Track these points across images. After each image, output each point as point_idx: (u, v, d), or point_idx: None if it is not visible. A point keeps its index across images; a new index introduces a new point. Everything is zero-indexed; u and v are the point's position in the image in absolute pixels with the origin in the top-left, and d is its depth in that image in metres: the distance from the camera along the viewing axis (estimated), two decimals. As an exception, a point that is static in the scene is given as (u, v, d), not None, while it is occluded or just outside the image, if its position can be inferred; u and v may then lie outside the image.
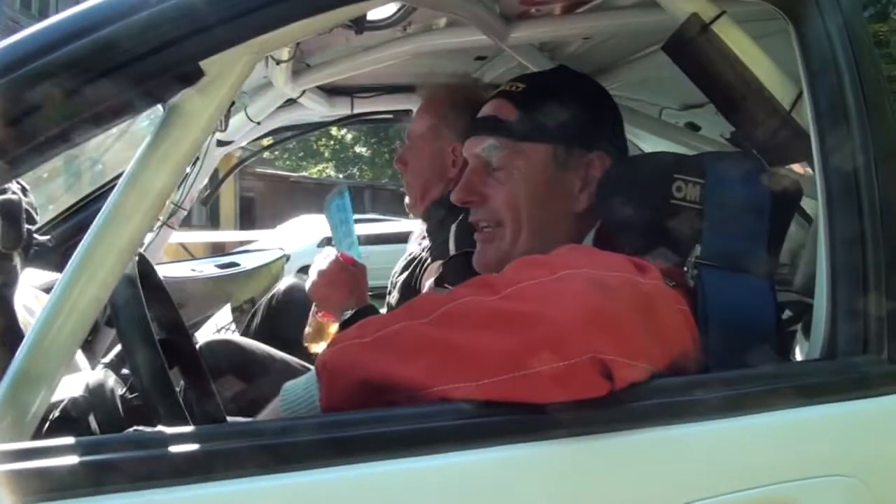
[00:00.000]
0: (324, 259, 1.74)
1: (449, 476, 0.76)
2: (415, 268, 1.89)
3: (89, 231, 0.84)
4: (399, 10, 1.58)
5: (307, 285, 1.75)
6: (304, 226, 13.66)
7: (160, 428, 0.75)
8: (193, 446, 0.70)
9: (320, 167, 24.08)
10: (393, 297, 1.94)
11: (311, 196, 18.08)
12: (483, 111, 1.29)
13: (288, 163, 22.74)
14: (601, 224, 1.17)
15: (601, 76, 1.85)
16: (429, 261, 1.81)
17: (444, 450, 0.76)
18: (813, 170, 1.03)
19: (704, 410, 0.84)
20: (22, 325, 1.41)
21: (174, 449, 0.70)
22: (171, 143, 0.84)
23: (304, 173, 22.93)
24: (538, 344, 0.77)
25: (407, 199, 1.98)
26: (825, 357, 0.95)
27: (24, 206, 1.27)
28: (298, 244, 12.15)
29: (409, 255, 1.98)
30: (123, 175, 0.85)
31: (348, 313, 1.62)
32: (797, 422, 0.89)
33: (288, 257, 3.89)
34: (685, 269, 1.00)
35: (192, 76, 0.82)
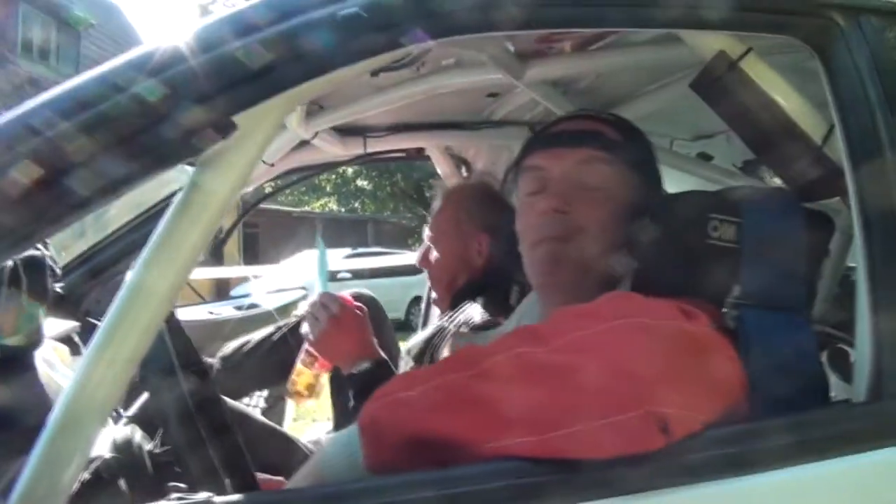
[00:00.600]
0: (319, 305, 1.56)
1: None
2: (433, 337, 1.81)
3: (122, 290, 0.83)
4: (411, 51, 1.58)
5: (307, 332, 1.59)
6: (308, 260, 13.66)
7: (208, 496, 0.72)
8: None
9: (323, 202, 24.13)
10: (407, 365, 1.84)
11: (315, 231, 18.12)
12: (574, 126, 1.26)
13: (290, 198, 22.77)
14: (636, 266, 1.14)
15: (613, 110, 1.84)
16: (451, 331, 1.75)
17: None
18: (847, 205, 1.02)
19: (760, 461, 0.82)
20: (42, 379, 1.40)
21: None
22: (204, 198, 0.83)
23: (306, 208, 22.97)
24: (592, 398, 0.76)
25: (434, 294, 1.98)
26: (870, 400, 0.92)
27: (48, 261, 1.26)
28: (303, 279, 12.15)
29: (436, 327, 1.90)
30: (155, 233, 0.83)
31: (364, 365, 1.49)
32: (851, 469, 0.86)
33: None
34: (724, 309, 0.99)
35: (224, 130, 0.81)
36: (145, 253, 0.82)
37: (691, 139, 2.37)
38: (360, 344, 1.51)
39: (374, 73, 1.67)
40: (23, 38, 13.36)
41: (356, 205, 24.14)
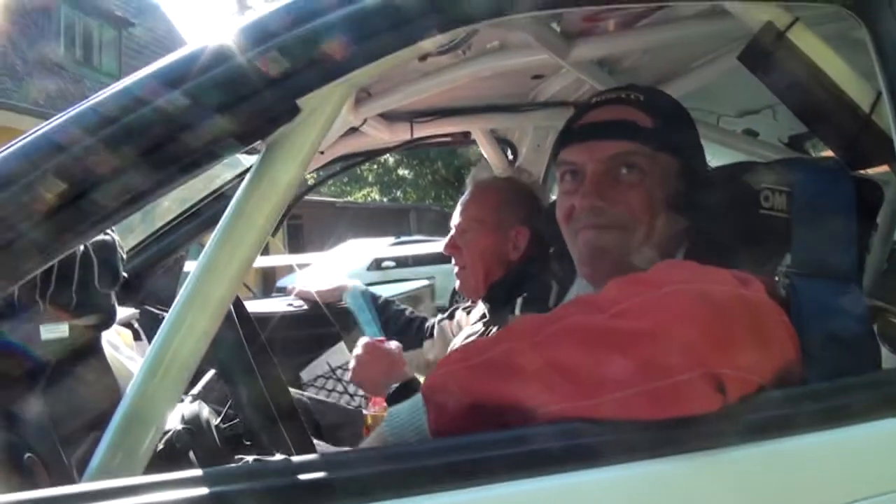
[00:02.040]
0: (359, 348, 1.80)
1: (570, 497, 0.77)
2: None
3: (193, 271, 0.87)
4: (459, 34, 1.60)
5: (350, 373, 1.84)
6: (352, 250, 13.78)
7: (282, 457, 0.76)
8: (321, 474, 0.72)
9: (365, 191, 24.28)
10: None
11: (358, 220, 18.24)
12: (604, 116, 1.23)
13: (333, 188, 22.95)
14: (690, 239, 1.16)
15: (659, 87, 1.85)
16: None
17: (563, 470, 0.76)
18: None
19: (815, 421, 0.83)
20: (108, 360, 1.45)
21: (303, 477, 0.71)
22: (271, 179, 0.87)
23: (349, 198, 23.14)
24: (651, 361, 0.78)
25: (459, 283, 1.99)
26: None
27: (117, 245, 1.31)
28: (349, 268, 12.27)
29: (470, 335, 1.95)
30: (224, 215, 0.87)
31: (394, 387, 1.66)
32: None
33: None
34: (776, 278, 1.00)
35: (289, 113, 0.85)
36: (217, 233, 0.86)
37: (737, 115, 2.35)
38: (386, 372, 1.71)
39: (422, 58, 1.69)
40: (65, 40, 13.59)
41: (398, 194, 24.23)
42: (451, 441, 0.80)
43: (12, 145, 0.82)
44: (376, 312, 2.27)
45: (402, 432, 0.87)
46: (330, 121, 0.88)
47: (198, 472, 0.74)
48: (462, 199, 2.03)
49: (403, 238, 15.49)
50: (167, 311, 0.87)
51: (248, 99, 0.82)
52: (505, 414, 0.81)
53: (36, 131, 0.83)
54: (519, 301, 1.70)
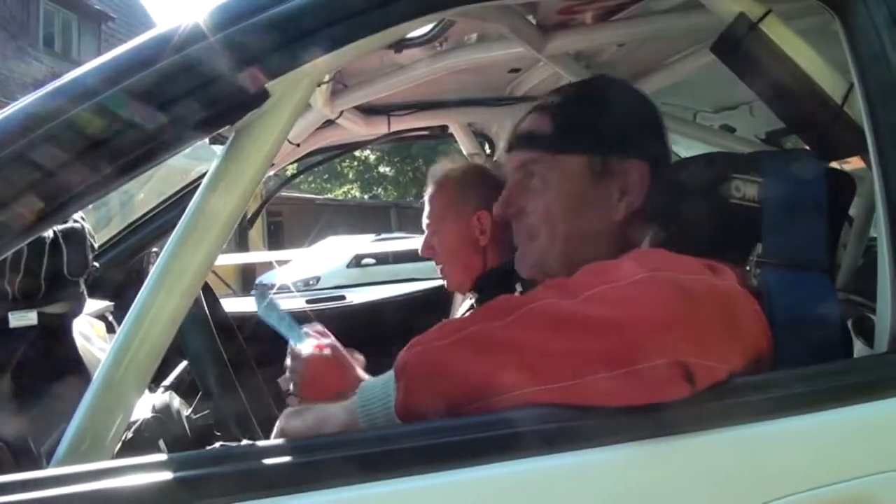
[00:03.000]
0: (291, 360, 1.38)
1: (537, 482, 0.77)
2: None
3: (160, 258, 0.86)
4: (436, 26, 1.59)
5: (287, 388, 1.42)
6: (332, 248, 13.74)
7: (248, 441, 0.76)
8: (285, 459, 0.72)
9: (345, 188, 24.24)
10: None
11: (338, 217, 18.18)
12: (520, 127, 1.30)
13: (313, 185, 22.91)
14: (656, 230, 1.16)
15: (636, 82, 1.85)
16: None
17: (530, 454, 0.76)
18: (868, 164, 1.03)
19: (781, 407, 0.84)
20: (80, 351, 1.44)
21: (268, 462, 0.71)
22: (240, 165, 0.86)
23: (329, 195, 23.08)
24: (619, 348, 0.78)
25: (446, 282, 1.96)
26: (892, 350, 0.94)
27: (87, 234, 1.30)
28: (328, 265, 12.23)
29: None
30: (192, 201, 0.87)
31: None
32: (871, 416, 0.88)
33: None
34: (747, 268, 1.01)
35: (258, 98, 0.84)
36: (187, 214, 0.85)
37: (714, 111, 2.37)
38: (341, 380, 1.34)
39: (398, 50, 1.69)
40: (44, 34, 13.48)
41: (379, 191, 24.21)
42: (421, 425, 0.80)
43: None
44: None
45: (371, 406, 0.88)
46: (299, 107, 0.88)
47: (163, 456, 0.73)
48: (424, 197, 2.03)
49: (384, 235, 15.46)
50: None
51: (217, 82, 0.81)
52: (473, 394, 0.81)
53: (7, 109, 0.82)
54: (519, 288, 1.70)
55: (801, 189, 1.03)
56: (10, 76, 11.72)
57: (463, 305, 2.06)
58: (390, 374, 0.89)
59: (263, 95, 0.84)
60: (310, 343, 1.35)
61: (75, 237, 1.26)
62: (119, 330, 0.86)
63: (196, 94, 0.80)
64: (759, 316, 0.94)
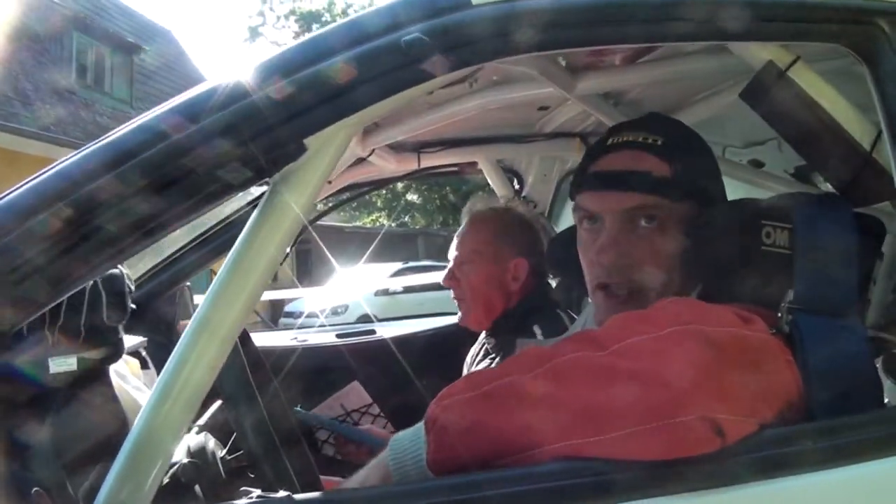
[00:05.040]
0: None
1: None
2: None
3: (203, 302, 0.88)
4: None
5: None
6: (360, 276, 13.78)
7: (287, 494, 0.77)
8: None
9: (373, 216, 24.36)
10: None
11: (367, 246, 18.25)
12: (619, 165, 1.17)
13: (342, 214, 23.01)
14: (703, 280, 1.13)
15: (665, 119, 1.86)
16: None
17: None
18: (896, 208, 1.03)
19: (814, 461, 0.84)
20: (116, 390, 1.47)
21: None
22: (277, 216, 0.88)
23: (357, 223, 23.20)
24: (649, 402, 0.79)
25: (461, 315, 1.95)
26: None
27: (125, 278, 1.32)
28: (356, 294, 12.26)
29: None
30: (234, 248, 0.89)
31: None
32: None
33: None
34: (779, 314, 1.00)
35: (295, 152, 0.86)
36: (226, 265, 0.87)
37: (742, 146, 2.36)
38: None
39: (430, 91, 1.71)
40: (76, 65, 13.74)
41: (406, 219, 24.29)
42: (454, 479, 0.80)
43: (31, 180, 0.84)
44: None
45: (402, 459, 0.88)
46: (335, 159, 0.90)
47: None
48: (459, 230, 2.02)
49: (412, 263, 15.48)
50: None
51: (257, 138, 0.83)
52: (504, 448, 0.82)
53: (53, 167, 0.84)
54: (537, 329, 1.69)
55: (831, 235, 1.03)
56: (43, 107, 11.94)
57: (475, 345, 2.06)
58: (420, 427, 0.89)
59: (301, 149, 0.86)
60: None
61: (115, 282, 1.29)
62: (159, 377, 0.88)
63: (237, 148, 0.83)
64: (790, 364, 0.93)
